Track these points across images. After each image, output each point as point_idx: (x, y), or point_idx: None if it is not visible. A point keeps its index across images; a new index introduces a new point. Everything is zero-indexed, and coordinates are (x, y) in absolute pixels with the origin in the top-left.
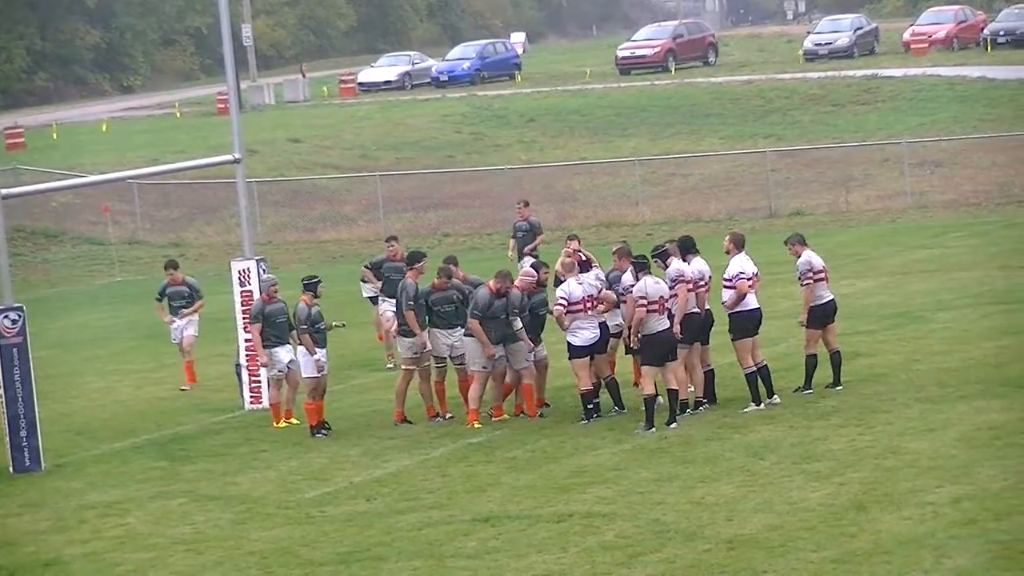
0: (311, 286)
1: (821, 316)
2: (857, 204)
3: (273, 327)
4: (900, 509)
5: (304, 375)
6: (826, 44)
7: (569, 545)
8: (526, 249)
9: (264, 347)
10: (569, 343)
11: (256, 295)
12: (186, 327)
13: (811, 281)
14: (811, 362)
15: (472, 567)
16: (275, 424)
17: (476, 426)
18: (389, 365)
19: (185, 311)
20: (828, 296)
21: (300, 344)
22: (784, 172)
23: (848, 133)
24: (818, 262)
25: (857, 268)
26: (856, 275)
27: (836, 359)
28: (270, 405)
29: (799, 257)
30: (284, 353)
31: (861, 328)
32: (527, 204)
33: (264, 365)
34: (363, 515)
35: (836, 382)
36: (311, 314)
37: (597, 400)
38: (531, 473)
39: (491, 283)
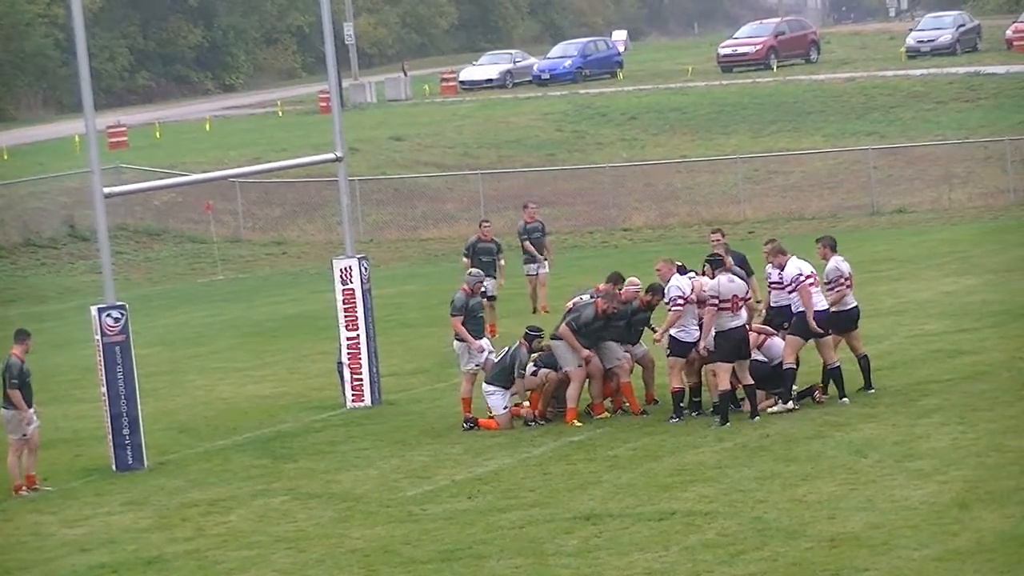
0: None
1: (846, 322)
2: (959, 201)
3: (472, 321)
4: (1003, 507)
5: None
6: (928, 41)
7: (671, 543)
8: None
9: (461, 340)
10: (675, 338)
11: (359, 293)
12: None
13: (843, 286)
14: (835, 372)
15: (573, 565)
16: (466, 416)
17: (577, 424)
18: None
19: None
20: (853, 303)
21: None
22: (886, 170)
23: (950, 130)
24: (846, 268)
25: (960, 265)
26: (958, 272)
27: (865, 363)
28: (462, 399)
29: (827, 261)
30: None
31: (964, 326)
32: (526, 207)
33: (480, 350)
34: (465, 513)
35: (868, 386)
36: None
37: (698, 399)
38: (633, 471)
39: (600, 302)
